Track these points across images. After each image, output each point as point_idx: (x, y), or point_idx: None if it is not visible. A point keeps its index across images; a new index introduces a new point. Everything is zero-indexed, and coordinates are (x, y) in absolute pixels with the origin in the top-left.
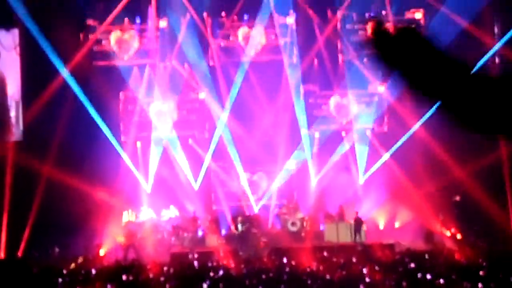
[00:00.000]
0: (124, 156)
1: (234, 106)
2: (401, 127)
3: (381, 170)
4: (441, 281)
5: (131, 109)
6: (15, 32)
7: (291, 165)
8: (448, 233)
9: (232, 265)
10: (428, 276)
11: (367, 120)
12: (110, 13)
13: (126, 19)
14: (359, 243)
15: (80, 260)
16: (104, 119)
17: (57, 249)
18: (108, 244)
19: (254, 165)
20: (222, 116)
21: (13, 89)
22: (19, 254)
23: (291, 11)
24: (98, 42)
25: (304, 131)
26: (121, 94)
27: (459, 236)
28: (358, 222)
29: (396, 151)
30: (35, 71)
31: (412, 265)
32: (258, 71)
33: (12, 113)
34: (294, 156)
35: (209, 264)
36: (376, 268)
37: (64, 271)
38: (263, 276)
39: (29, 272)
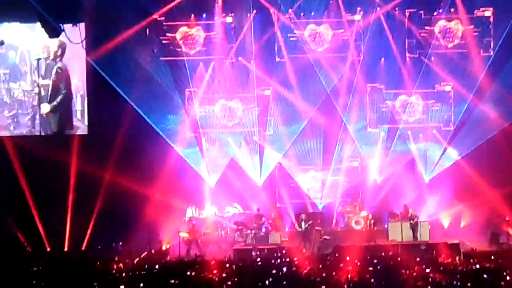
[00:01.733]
0: (189, 152)
1: (300, 102)
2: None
3: (448, 169)
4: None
5: (196, 105)
6: (82, 26)
7: (355, 163)
8: None
9: (296, 262)
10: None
11: (434, 118)
12: (177, 9)
13: (192, 15)
14: (422, 243)
15: (143, 254)
16: (169, 114)
17: (120, 243)
18: (172, 240)
19: (318, 163)
20: (287, 113)
21: (79, 83)
22: (83, 247)
23: (359, 8)
24: (165, 37)
25: (370, 129)
26: (186, 90)
27: None
28: (415, 221)
29: (464, 150)
30: (100, 65)
31: (477, 266)
32: (324, 68)
33: (78, 107)
34: (360, 154)
35: (272, 261)
36: (440, 268)
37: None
38: (324, 275)
39: (91, 265)
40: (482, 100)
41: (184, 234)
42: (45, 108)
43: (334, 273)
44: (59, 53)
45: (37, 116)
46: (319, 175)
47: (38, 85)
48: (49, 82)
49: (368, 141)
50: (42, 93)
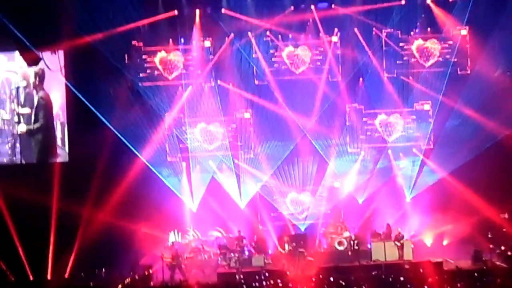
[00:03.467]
0: (170, 177)
1: (279, 125)
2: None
3: (430, 188)
4: None
5: (176, 129)
6: (60, 53)
7: (337, 183)
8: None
9: (280, 285)
10: None
11: (414, 137)
12: (155, 34)
13: (170, 40)
14: (406, 261)
15: (127, 280)
16: (150, 139)
17: (103, 270)
18: (155, 265)
19: (300, 184)
20: (267, 135)
21: (59, 110)
22: (66, 275)
23: (336, 30)
24: (143, 63)
25: (350, 149)
26: (166, 114)
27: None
28: (399, 240)
29: (445, 168)
30: (80, 92)
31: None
32: (302, 90)
33: (58, 134)
34: (340, 175)
35: (256, 284)
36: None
37: None
38: None
39: None
40: (461, 119)
41: (167, 259)
42: (22, 127)
43: None
44: (38, 81)
45: (17, 144)
46: (301, 197)
47: (17, 114)
48: (28, 110)
49: (349, 160)
50: (22, 121)
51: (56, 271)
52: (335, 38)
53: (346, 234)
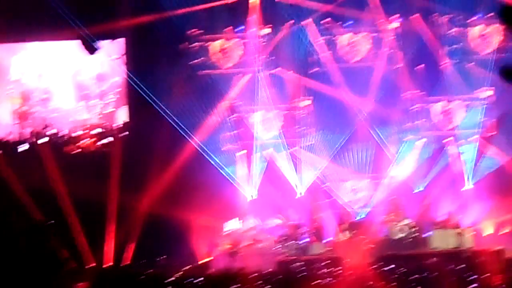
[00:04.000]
0: (228, 165)
1: (338, 112)
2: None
3: (491, 174)
4: None
5: (234, 118)
6: (120, 41)
7: (396, 171)
8: None
9: (339, 272)
10: None
11: (473, 125)
12: (214, 21)
13: (229, 28)
14: (466, 249)
15: (186, 268)
16: (208, 128)
17: (164, 257)
18: (214, 253)
19: (359, 171)
20: (326, 122)
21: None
22: (127, 261)
23: (396, 16)
24: (201, 51)
25: (411, 136)
26: (224, 102)
27: None
28: (459, 227)
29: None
30: (139, 80)
31: None
32: (362, 76)
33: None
34: (400, 162)
35: (315, 272)
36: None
37: (172, 279)
38: (371, 283)
39: (136, 279)
40: None
41: (226, 247)
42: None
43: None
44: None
45: None
46: (361, 184)
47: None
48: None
49: (409, 147)
50: None
51: (117, 258)
52: (396, 24)
53: (406, 221)
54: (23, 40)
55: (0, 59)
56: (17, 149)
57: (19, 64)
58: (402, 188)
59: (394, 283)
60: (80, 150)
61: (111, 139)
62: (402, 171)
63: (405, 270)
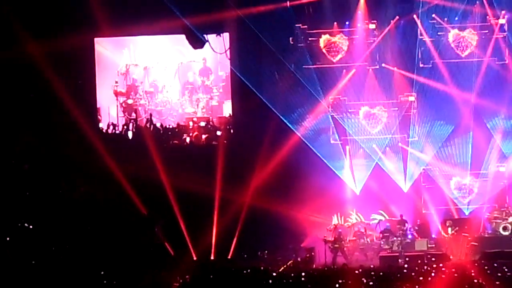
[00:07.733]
0: (332, 160)
1: (444, 107)
2: None
3: None
4: None
5: (339, 112)
6: (226, 36)
7: (502, 167)
8: None
9: (443, 269)
10: None
11: None
12: (319, 17)
13: (335, 23)
14: None
15: (289, 262)
16: (313, 122)
17: (266, 252)
18: (317, 247)
19: (463, 167)
20: (431, 118)
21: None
22: (229, 256)
23: (504, 12)
24: (308, 45)
25: None
26: (330, 97)
27: None
28: None
29: None
30: (244, 74)
31: None
32: (469, 72)
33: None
34: (507, 158)
35: (419, 268)
36: None
37: (274, 274)
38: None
39: (239, 273)
40: None
41: (329, 242)
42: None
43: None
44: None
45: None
46: (465, 180)
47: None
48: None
49: None
50: None
51: (219, 252)
52: (502, 21)
53: (511, 219)
54: (131, 34)
55: (109, 53)
56: (123, 141)
57: (127, 58)
58: (508, 185)
59: (498, 282)
60: (187, 143)
61: (219, 133)
62: (509, 167)
63: (509, 268)
